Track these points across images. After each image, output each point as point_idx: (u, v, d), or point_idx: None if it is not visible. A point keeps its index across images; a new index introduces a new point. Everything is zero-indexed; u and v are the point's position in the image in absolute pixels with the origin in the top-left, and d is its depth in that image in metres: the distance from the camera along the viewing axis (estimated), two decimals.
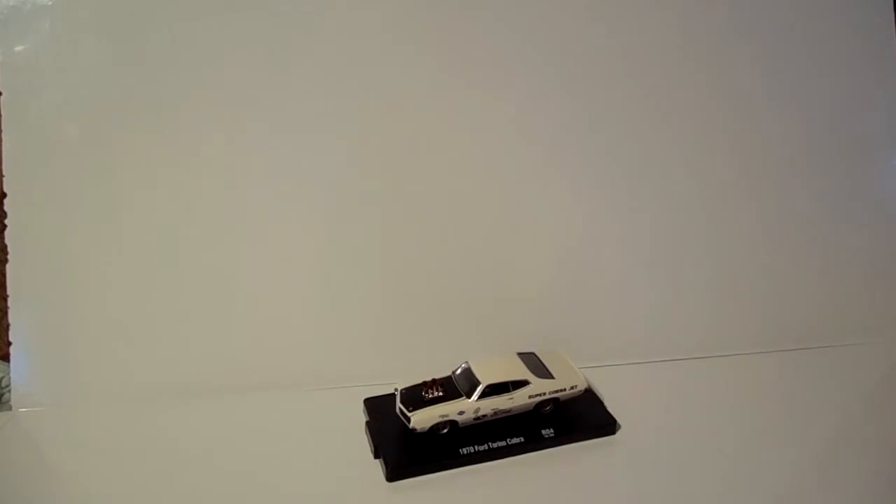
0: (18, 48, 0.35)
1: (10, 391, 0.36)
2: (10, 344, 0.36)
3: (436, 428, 0.31)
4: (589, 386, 0.34)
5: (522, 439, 0.31)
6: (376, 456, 0.31)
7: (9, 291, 0.36)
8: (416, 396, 0.31)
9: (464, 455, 0.31)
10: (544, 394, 0.32)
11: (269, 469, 0.31)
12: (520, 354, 0.34)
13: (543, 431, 0.32)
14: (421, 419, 0.31)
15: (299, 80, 0.36)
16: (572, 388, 0.33)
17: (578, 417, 0.33)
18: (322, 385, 0.36)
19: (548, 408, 0.33)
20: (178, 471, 0.31)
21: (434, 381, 0.32)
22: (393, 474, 0.30)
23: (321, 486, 0.30)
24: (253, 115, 0.36)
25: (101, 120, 0.36)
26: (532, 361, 0.33)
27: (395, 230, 0.37)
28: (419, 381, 0.32)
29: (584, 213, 0.38)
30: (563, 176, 0.38)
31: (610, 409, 0.33)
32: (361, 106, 0.37)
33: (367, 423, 0.33)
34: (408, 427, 0.31)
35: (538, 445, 0.31)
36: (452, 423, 0.31)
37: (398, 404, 0.31)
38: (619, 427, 0.32)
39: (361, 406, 0.34)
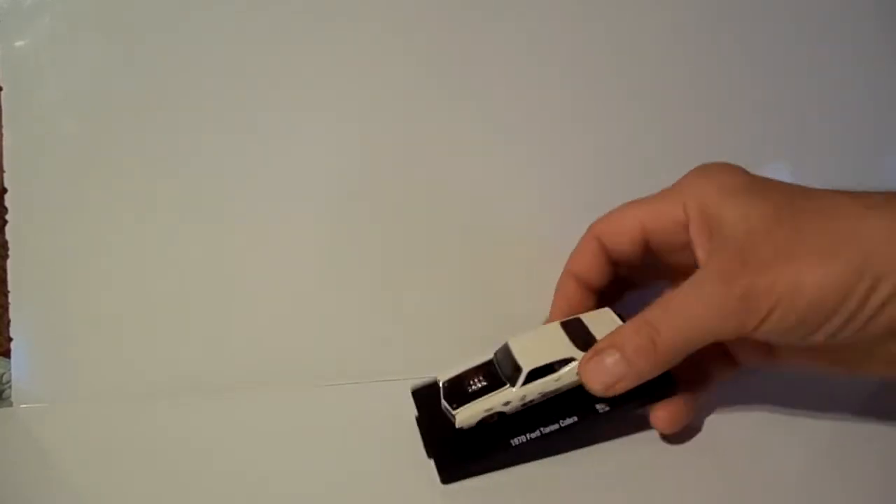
0: (19, 43, 0.35)
1: (10, 387, 0.36)
2: (10, 340, 0.36)
3: (483, 421, 0.29)
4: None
5: (576, 419, 0.29)
6: (429, 455, 0.30)
7: (9, 287, 0.36)
8: (460, 389, 0.30)
9: (516, 446, 0.29)
10: None
11: (273, 468, 0.31)
12: (563, 324, 0.31)
13: (597, 406, 0.29)
14: (466, 417, 0.29)
15: (302, 78, 0.36)
16: None
17: None
18: (330, 381, 0.36)
19: None
20: (182, 469, 0.31)
21: (474, 369, 0.30)
22: (447, 476, 0.29)
23: (323, 484, 0.30)
24: (255, 112, 0.36)
25: (102, 115, 0.36)
26: (576, 330, 0.30)
27: (411, 219, 0.37)
28: (461, 369, 0.30)
29: (588, 208, 0.38)
30: (568, 173, 0.38)
31: None
32: (364, 103, 0.37)
33: (417, 417, 0.31)
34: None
35: (594, 422, 0.29)
36: (500, 412, 0.29)
37: (443, 401, 0.30)
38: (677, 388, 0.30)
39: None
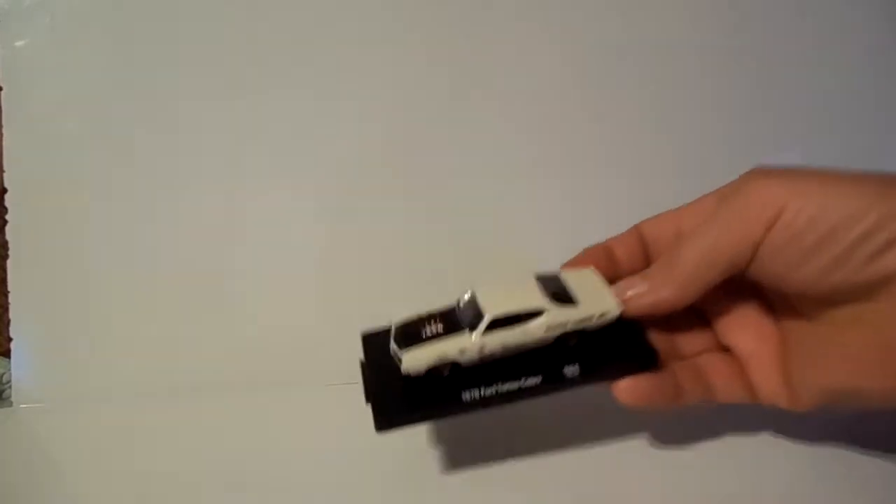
0: (19, 43, 0.35)
1: (10, 387, 0.36)
2: (10, 340, 0.36)
3: (434, 370, 0.26)
4: (624, 312, 0.27)
5: (540, 380, 0.26)
6: (367, 400, 0.26)
7: (9, 287, 0.36)
8: (413, 333, 0.26)
9: (468, 402, 0.25)
10: (565, 325, 0.26)
11: (273, 468, 0.31)
12: (539, 278, 0.27)
13: (566, 370, 0.26)
14: (413, 361, 0.25)
15: (302, 75, 0.36)
16: (601, 315, 0.26)
17: (611, 350, 0.27)
18: (332, 381, 0.36)
19: (573, 342, 0.27)
20: (182, 469, 0.31)
21: (432, 314, 0.27)
22: (382, 422, 0.25)
23: (325, 485, 0.30)
24: (255, 110, 0.36)
25: (102, 115, 0.36)
26: (553, 285, 0.27)
27: (413, 220, 0.37)
28: (419, 313, 0.27)
29: (582, 218, 0.38)
30: (578, 176, 0.38)
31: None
32: (363, 102, 0.37)
33: (362, 362, 0.27)
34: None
35: (559, 387, 0.26)
36: (455, 363, 0.26)
37: (392, 343, 0.26)
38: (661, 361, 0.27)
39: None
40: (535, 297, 0.26)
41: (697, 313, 0.29)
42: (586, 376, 0.26)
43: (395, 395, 0.26)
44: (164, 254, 0.36)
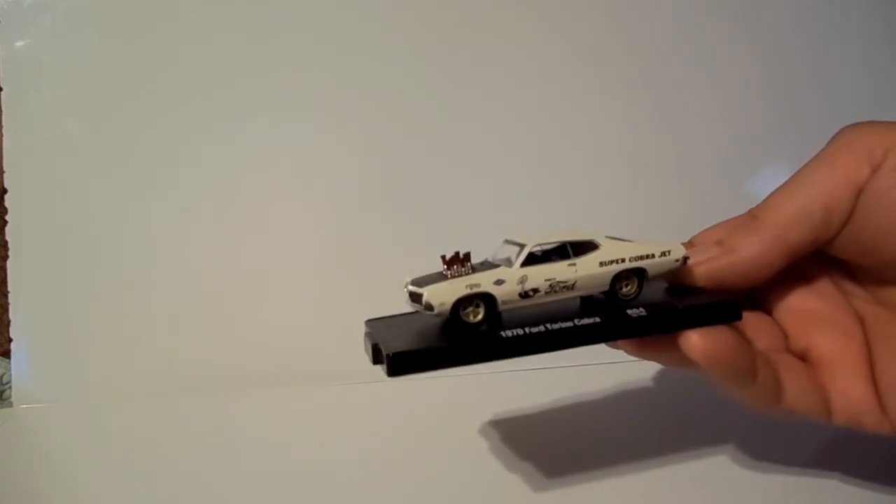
0: (19, 43, 0.35)
1: (10, 388, 0.36)
2: (10, 340, 0.36)
3: (464, 311, 0.21)
4: (691, 278, 0.23)
5: (598, 319, 0.22)
6: (376, 360, 0.22)
7: (9, 288, 0.36)
8: (435, 276, 0.22)
9: (508, 338, 0.21)
10: (623, 260, 0.23)
11: (275, 467, 0.31)
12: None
13: (630, 311, 0.22)
14: (439, 291, 0.21)
15: (303, 75, 0.36)
16: (662, 254, 0.23)
17: (680, 299, 0.23)
18: (339, 381, 0.36)
19: (629, 287, 0.23)
20: (183, 469, 0.31)
21: (457, 256, 0.22)
22: (396, 364, 0.20)
23: (327, 485, 0.30)
24: (255, 109, 0.36)
25: (102, 116, 0.36)
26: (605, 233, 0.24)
27: (418, 218, 0.37)
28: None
29: (582, 219, 0.38)
30: (587, 179, 0.38)
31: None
32: (364, 103, 0.37)
33: (368, 333, 0.23)
34: (422, 311, 0.22)
35: (622, 330, 0.22)
36: (488, 301, 0.21)
37: (407, 288, 0.22)
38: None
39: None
40: (584, 233, 0.23)
41: (765, 311, 0.25)
42: (655, 320, 0.22)
43: (411, 337, 0.22)
44: (165, 254, 0.36)
